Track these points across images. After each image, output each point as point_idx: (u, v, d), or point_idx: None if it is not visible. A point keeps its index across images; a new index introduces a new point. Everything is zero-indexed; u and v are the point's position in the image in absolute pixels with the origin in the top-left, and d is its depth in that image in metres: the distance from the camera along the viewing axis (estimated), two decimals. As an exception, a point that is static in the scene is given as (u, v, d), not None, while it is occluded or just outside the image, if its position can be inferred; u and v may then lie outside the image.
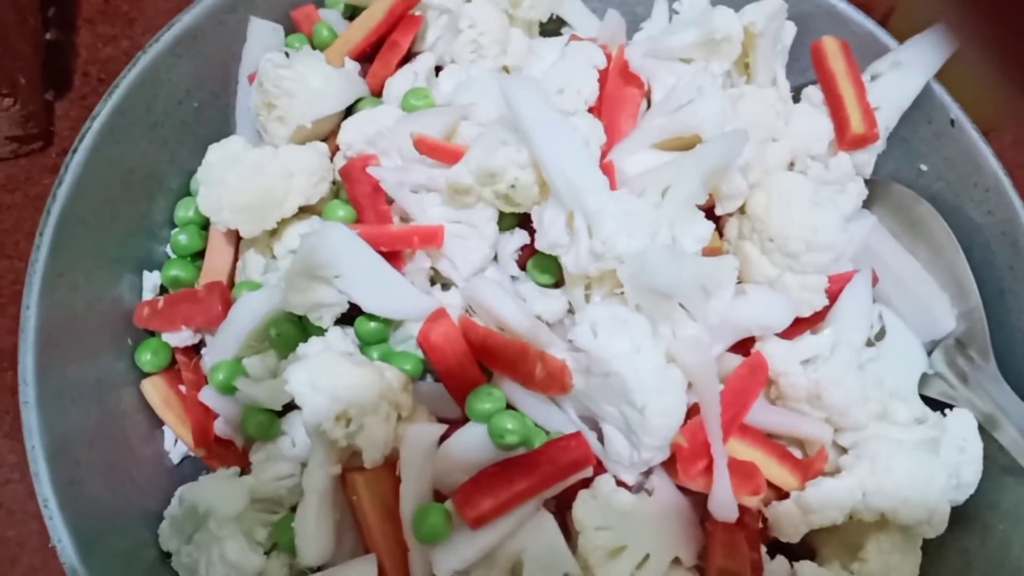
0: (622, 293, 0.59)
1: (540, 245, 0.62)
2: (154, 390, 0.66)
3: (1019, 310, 0.68)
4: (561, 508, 0.60)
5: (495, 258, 0.68)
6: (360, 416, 0.55)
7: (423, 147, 0.64)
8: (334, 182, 0.69)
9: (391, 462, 0.58)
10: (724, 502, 0.57)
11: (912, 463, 0.60)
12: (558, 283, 0.67)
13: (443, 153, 0.64)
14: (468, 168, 0.62)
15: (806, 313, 0.64)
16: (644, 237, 0.57)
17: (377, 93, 0.73)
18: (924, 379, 0.69)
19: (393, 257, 0.63)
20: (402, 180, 0.65)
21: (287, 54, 0.67)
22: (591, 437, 0.60)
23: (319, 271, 0.59)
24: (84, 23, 0.98)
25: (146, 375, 0.66)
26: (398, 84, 0.73)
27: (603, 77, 0.71)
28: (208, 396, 0.63)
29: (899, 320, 0.71)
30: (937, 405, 0.68)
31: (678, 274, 0.56)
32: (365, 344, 0.64)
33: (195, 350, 0.67)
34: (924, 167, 0.76)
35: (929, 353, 0.70)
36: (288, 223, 0.66)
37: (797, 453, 0.64)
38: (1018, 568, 0.60)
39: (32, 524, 0.75)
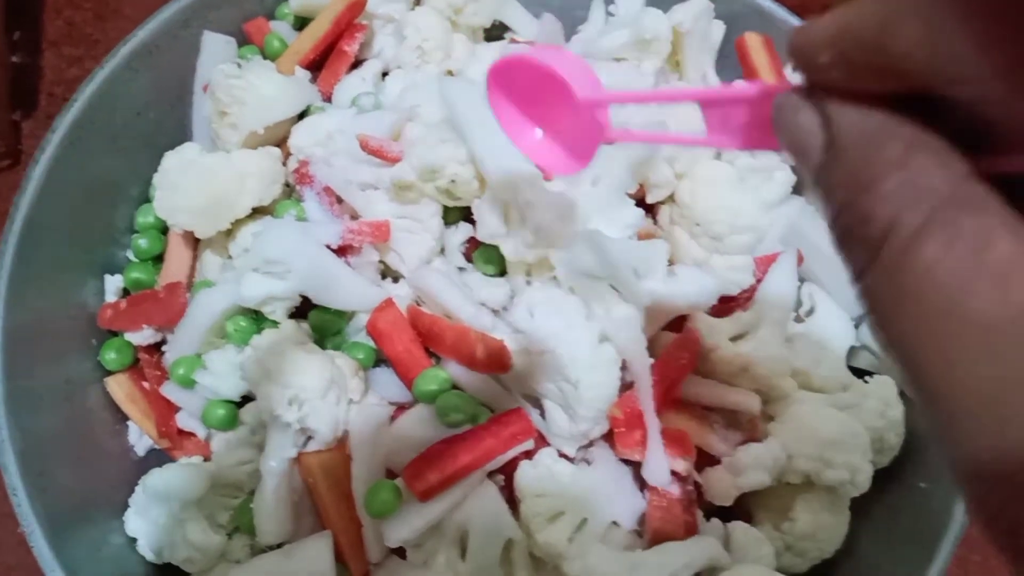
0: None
1: (481, 235, 0.66)
2: (118, 387, 0.69)
3: (938, 284, 0.73)
4: (509, 480, 0.63)
5: (443, 251, 0.72)
6: (311, 400, 0.59)
7: (368, 147, 0.67)
8: (287, 184, 0.72)
9: (344, 444, 0.62)
10: (657, 469, 0.61)
11: (835, 427, 0.64)
12: (503, 273, 0.70)
13: (385, 153, 0.67)
14: (411, 165, 0.66)
15: (734, 291, 0.68)
16: (575, 224, 0.61)
17: (327, 99, 0.77)
18: (852, 351, 0.73)
19: (343, 252, 0.67)
20: (350, 179, 0.69)
21: (239, 65, 0.71)
22: (534, 413, 0.64)
23: (270, 267, 0.62)
24: (49, 45, 1.01)
25: (110, 373, 0.69)
26: (347, 89, 0.76)
27: (540, 77, 0.75)
28: (170, 390, 0.67)
29: (828, 297, 0.75)
30: (865, 376, 0.72)
31: (606, 257, 0.60)
32: (320, 336, 0.68)
33: (157, 348, 0.70)
34: (849, 153, 0.80)
35: (857, 327, 0.74)
36: (242, 224, 0.69)
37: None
38: (939, 520, 0.63)
39: (10, 524, 0.77)
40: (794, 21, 0.82)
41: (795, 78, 0.78)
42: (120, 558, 0.62)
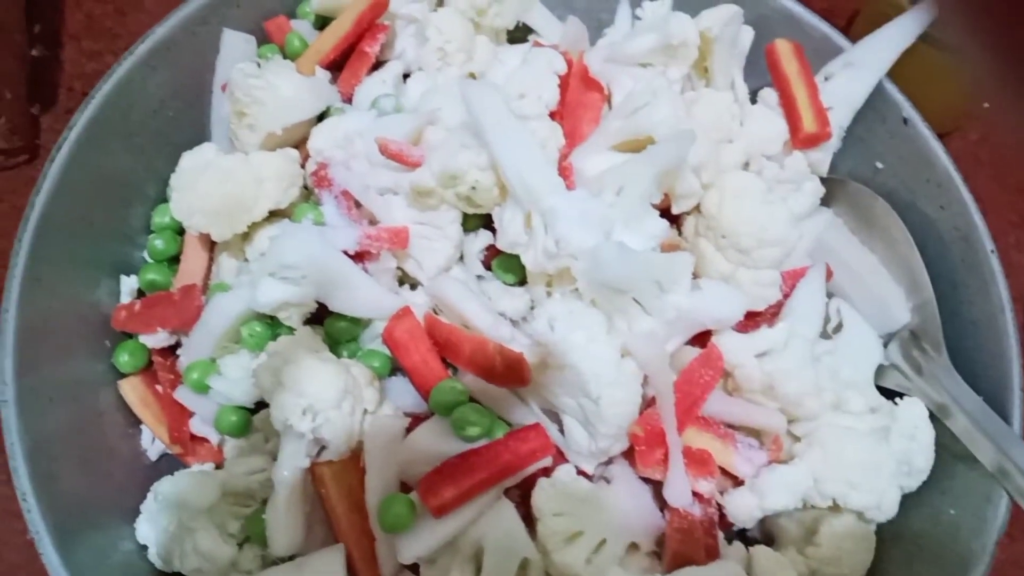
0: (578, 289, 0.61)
1: (501, 244, 0.64)
2: (132, 390, 0.68)
3: (970, 302, 0.70)
4: (525, 497, 0.62)
5: (461, 258, 0.70)
6: (325, 410, 0.57)
7: (387, 151, 0.66)
8: (305, 187, 0.71)
9: (358, 455, 0.61)
10: (678, 489, 0.59)
11: (862, 450, 0.62)
12: (523, 282, 0.69)
13: (405, 157, 0.66)
14: (431, 171, 0.64)
15: (760, 307, 0.66)
16: (597, 234, 0.59)
17: (347, 100, 0.76)
18: (880, 370, 0.71)
19: (360, 258, 0.66)
20: (369, 184, 0.68)
21: (259, 64, 0.70)
22: (552, 429, 0.62)
23: (286, 272, 0.61)
24: (69, 39, 1.00)
25: (124, 376, 0.68)
26: (367, 91, 0.75)
27: (565, 82, 0.74)
28: (183, 395, 0.66)
29: (856, 313, 0.73)
30: (894, 395, 0.70)
31: (629, 269, 0.58)
32: (335, 343, 0.66)
33: (171, 351, 0.69)
34: (880, 165, 0.78)
35: (885, 345, 0.72)
36: (259, 227, 0.68)
37: (754, 442, 0.66)
38: (968, 550, 0.62)
39: (16, 524, 0.76)
40: (823, 27, 0.81)
41: (825, 84, 0.76)
42: (129, 566, 0.61)
